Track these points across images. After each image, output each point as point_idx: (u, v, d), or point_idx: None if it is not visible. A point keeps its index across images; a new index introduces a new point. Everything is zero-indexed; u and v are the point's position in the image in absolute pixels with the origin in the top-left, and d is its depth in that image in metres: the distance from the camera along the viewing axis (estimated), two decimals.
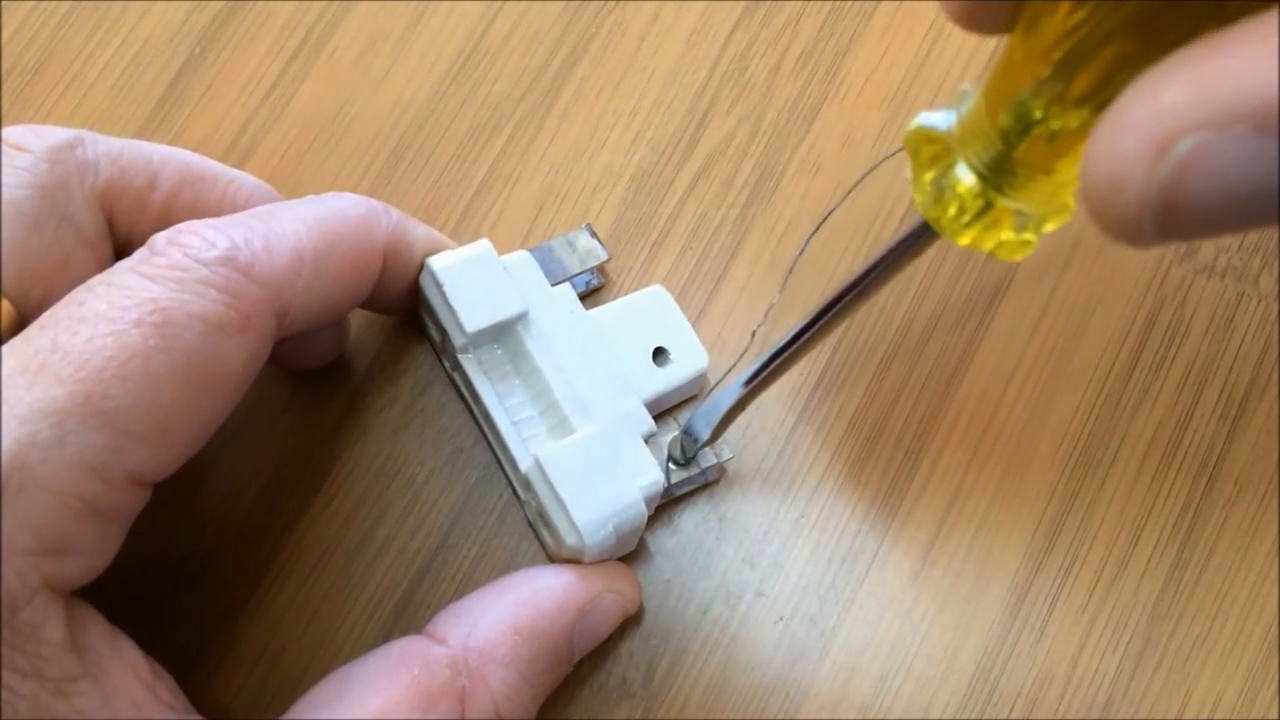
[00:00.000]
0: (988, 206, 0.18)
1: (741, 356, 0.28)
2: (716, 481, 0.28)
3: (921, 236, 0.19)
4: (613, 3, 0.32)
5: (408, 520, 0.27)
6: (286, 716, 0.22)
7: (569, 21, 0.32)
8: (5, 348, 0.19)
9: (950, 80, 0.32)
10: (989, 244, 0.18)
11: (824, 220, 0.28)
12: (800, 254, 0.27)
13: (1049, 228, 0.18)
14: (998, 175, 0.17)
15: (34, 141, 0.22)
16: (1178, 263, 0.30)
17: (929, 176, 0.18)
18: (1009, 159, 0.17)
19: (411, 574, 0.27)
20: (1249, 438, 0.29)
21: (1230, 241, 0.30)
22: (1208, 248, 0.30)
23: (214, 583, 0.26)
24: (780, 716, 0.26)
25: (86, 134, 0.23)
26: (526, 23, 0.32)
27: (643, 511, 0.25)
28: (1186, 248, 0.30)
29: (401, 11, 0.32)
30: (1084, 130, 0.15)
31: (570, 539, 0.24)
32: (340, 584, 0.27)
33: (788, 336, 0.23)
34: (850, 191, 0.26)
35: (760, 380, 0.24)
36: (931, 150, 0.18)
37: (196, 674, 0.26)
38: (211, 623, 0.26)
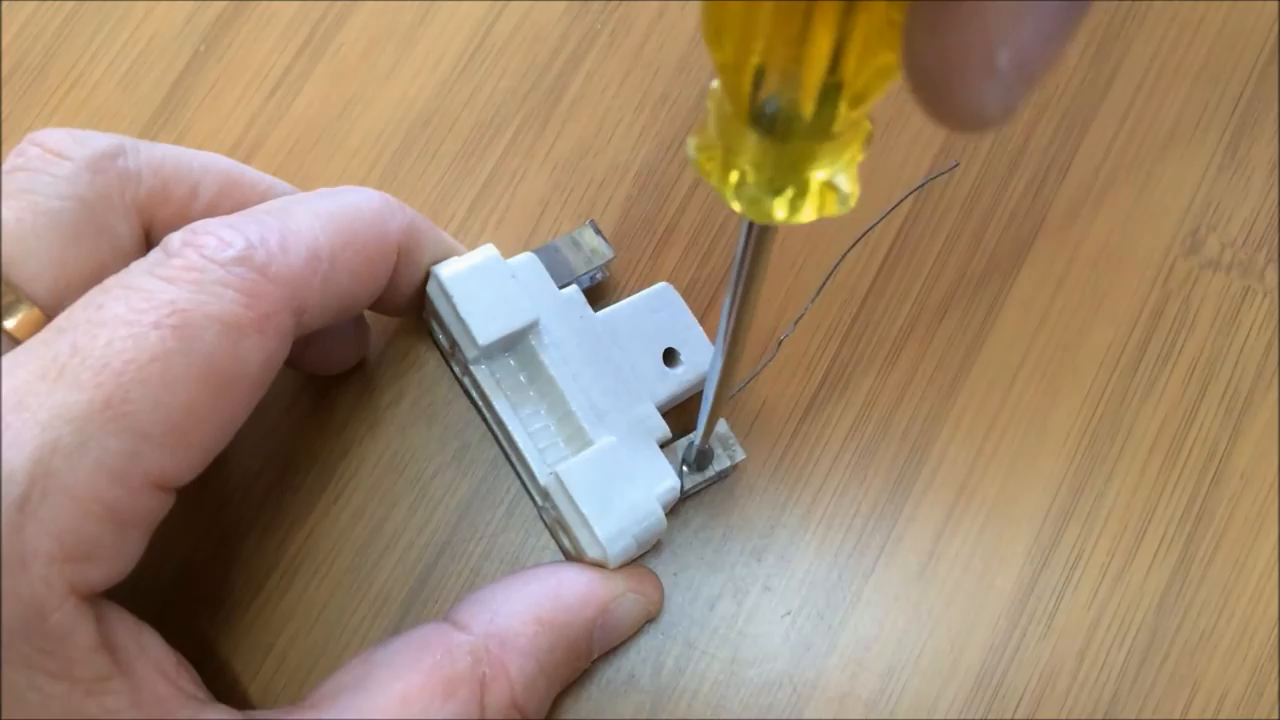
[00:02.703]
0: (787, 190, 0.17)
1: (766, 364, 0.28)
2: (725, 476, 0.28)
3: (752, 227, 0.19)
4: (617, 0, 0.32)
5: (415, 515, 0.27)
6: (310, 699, 0.22)
7: (574, 18, 0.32)
8: (24, 351, 0.19)
9: None
10: (814, 212, 0.17)
11: (862, 236, 0.28)
12: (836, 267, 0.27)
13: (850, 169, 0.17)
14: (775, 162, 0.16)
15: (75, 149, 0.22)
16: (1183, 257, 0.30)
17: (731, 183, 0.17)
18: (775, 147, 0.16)
19: (419, 569, 0.27)
20: (1254, 432, 0.29)
21: (1236, 236, 0.30)
22: (1213, 243, 0.30)
23: (223, 577, 0.26)
24: (787, 712, 0.26)
25: (128, 141, 0.23)
26: (531, 19, 0.32)
27: (662, 520, 0.25)
28: (1191, 242, 0.30)
29: (406, 9, 0.32)
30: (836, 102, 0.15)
31: (593, 551, 0.25)
32: (348, 578, 0.27)
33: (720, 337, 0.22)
34: (890, 210, 0.26)
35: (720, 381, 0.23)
36: (712, 164, 0.17)
37: (206, 668, 0.25)
38: (220, 617, 0.26)
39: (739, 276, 0.19)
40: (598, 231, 0.28)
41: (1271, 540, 0.28)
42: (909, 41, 0.14)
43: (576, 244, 0.28)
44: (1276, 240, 0.30)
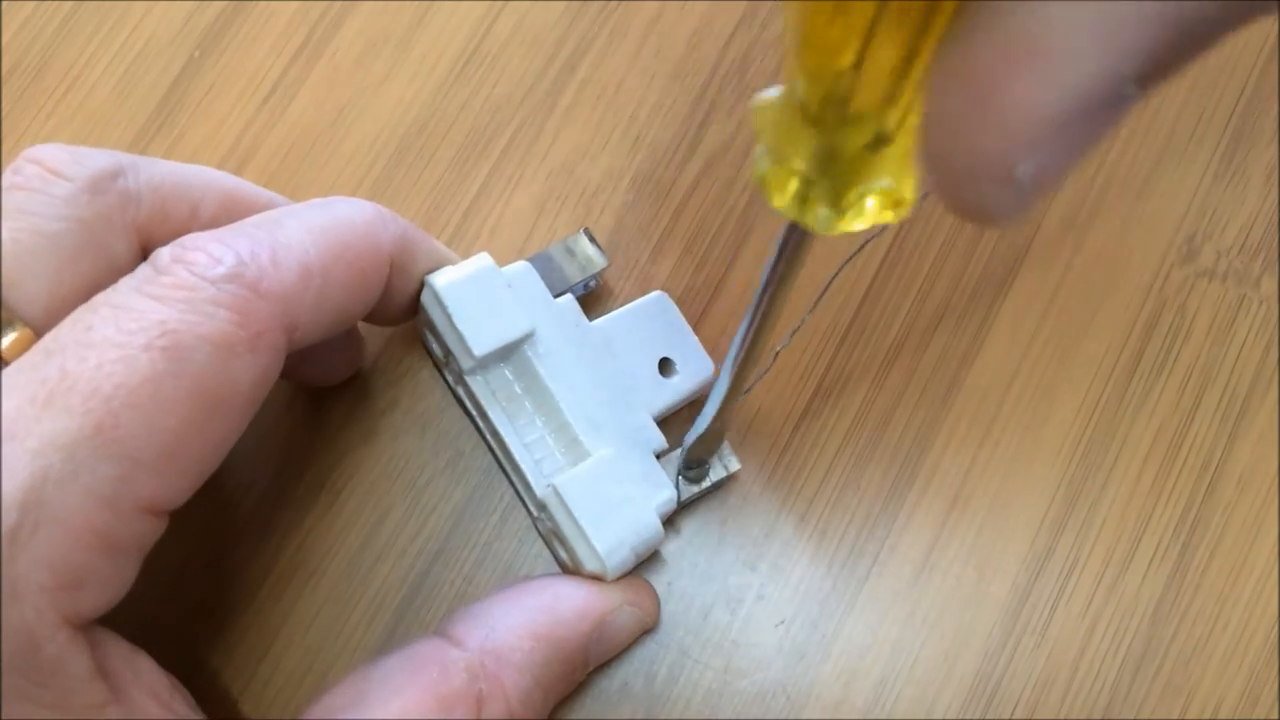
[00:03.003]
0: (825, 187, 0.17)
1: (761, 377, 0.28)
2: (721, 486, 0.28)
3: (794, 229, 0.18)
4: (614, 4, 0.32)
5: (409, 523, 0.27)
6: (305, 716, 0.22)
7: (570, 24, 0.32)
8: (11, 375, 0.19)
9: None
10: (825, 223, 0.17)
11: (860, 249, 0.28)
12: (833, 279, 0.27)
13: (899, 203, 0.17)
14: (822, 159, 0.16)
15: (74, 169, 0.22)
16: (1178, 265, 0.30)
17: (766, 162, 0.17)
18: (825, 145, 0.16)
19: (413, 577, 0.27)
20: (1250, 440, 0.29)
21: (1232, 244, 0.30)
22: (1209, 251, 0.30)
23: (215, 584, 0.26)
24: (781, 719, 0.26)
25: (127, 159, 0.22)
26: (527, 25, 0.32)
27: (660, 531, 0.25)
28: (1187, 250, 0.30)
29: (402, 14, 0.32)
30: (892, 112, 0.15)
31: (591, 563, 0.25)
32: (342, 586, 0.27)
33: (735, 347, 0.22)
34: (879, 231, 0.26)
35: (730, 392, 0.23)
36: (763, 123, 0.17)
37: (199, 677, 0.26)
38: (213, 624, 0.26)
39: (769, 281, 0.19)
40: (592, 240, 0.28)
41: (1267, 548, 0.28)
42: (928, 134, 0.14)
43: (571, 252, 0.28)
44: (1273, 248, 0.30)
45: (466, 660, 0.22)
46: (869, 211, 0.17)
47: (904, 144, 0.16)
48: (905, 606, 0.27)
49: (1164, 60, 0.13)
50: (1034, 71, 0.12)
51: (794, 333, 0.27)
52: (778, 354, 0.28)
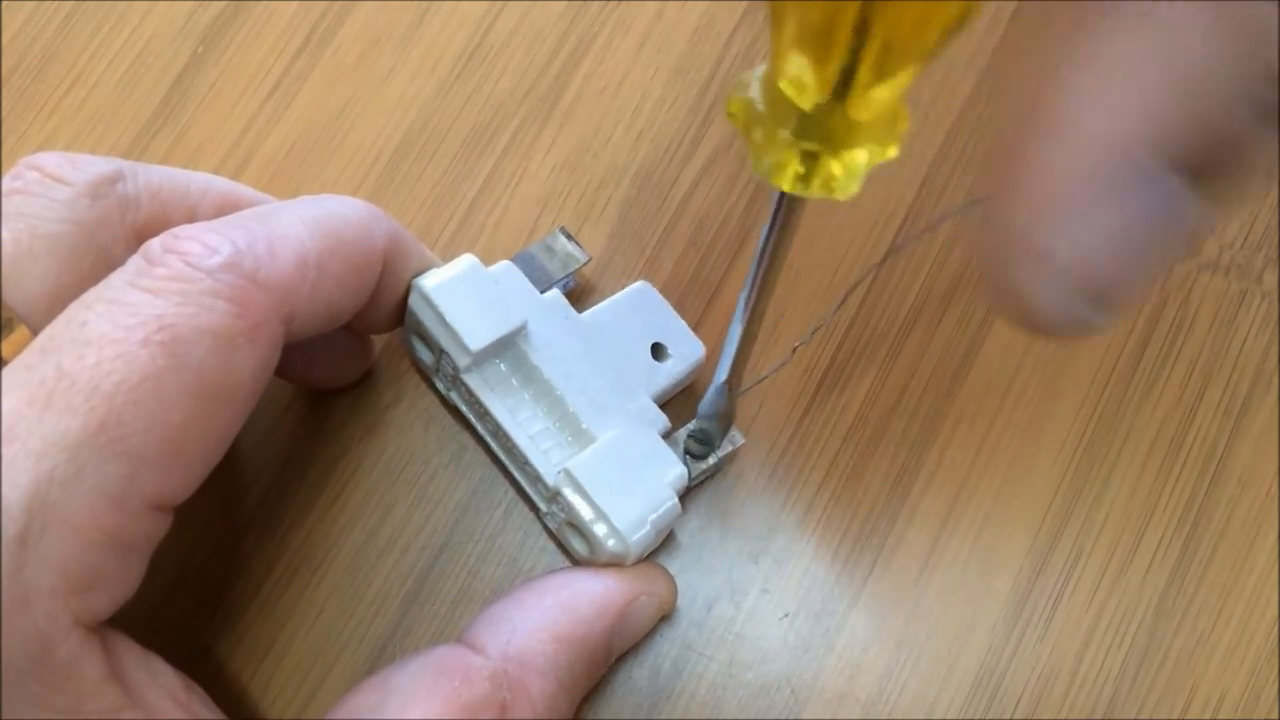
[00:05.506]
0: (811, 156, 0.17)
1: (779, 368, 0.28)
2: (728, 463, 0.28)
3: (784, 199, 0.19)
4: (616, 1, 0.32)
5: (413, 517, 0.27)
6: (329, 717, 0.21)
7: (572, 20, 0.32)
8: (7, 376, 0.18)
9: (950, 79, 0.32)
10: (819, 188, 0.17)
11: (886, 258, 0.28)
12: (855, 286, 0.27)
13: (879, 157, 0.17)
14: (806, 126, 0.16)
15: (73, 174, 0.21)
16: (1180, 260, 0.30)
17: (756, 136, 0.17)
18: (809, 114, 0.16)
19: (417, 570, 0.27)
20: (1253, 434, 0.29)
21: (1234, 238, 0.30)
22: (1210, 245, 0.30)
23: (221, 578, 0.26)
24: (784, 713, 0.26)
25: (125, 165, 0.22)
26: (529, 21, 0.32)
27: (677, 506, 0.25)
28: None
29: (404, 11, 0.32)
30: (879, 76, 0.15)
31: (612, 543, 0.24)
32: (346, 580, 0.27)
33: (735, 325, 0.23)
34: (912, 237, 0.26)
35: (735, 367, 0.24)
36: (750, 112, 0.17)
37: (202, 670, 0.26)
38: (218, 618, 0.26)
39: (765, 246, 0.20)
40: (569, 237, 0.28)
41: (1269, 542, 0.28)
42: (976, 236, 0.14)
43: (550, 250, 0.28)
44: (1274, 243, 0.30)
45: (490, 668, 0.22)
46: (869, 161, 0.17)
47: (893, 107, 0.16)
48: (909, 600, 0.27)
49: (1187, 143, 0.12)
50: (1041, 134, 0.12)
51: (814, 331, 0.27)
52: (796, 350, 0.28)
